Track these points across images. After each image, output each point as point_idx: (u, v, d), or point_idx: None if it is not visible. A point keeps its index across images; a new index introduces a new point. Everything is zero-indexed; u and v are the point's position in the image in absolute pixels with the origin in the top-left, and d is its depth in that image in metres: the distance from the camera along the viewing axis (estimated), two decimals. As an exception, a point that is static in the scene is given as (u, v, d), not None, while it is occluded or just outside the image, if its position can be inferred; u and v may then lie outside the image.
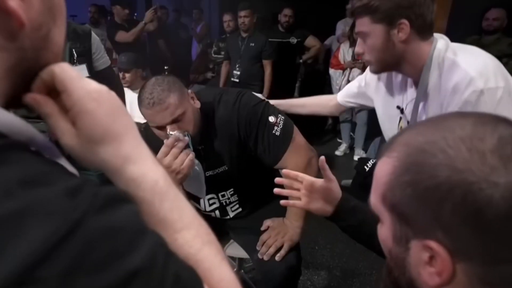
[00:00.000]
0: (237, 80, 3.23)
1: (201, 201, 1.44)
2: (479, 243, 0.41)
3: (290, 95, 4.03)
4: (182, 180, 1.12)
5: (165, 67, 3.51)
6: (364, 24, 1.04)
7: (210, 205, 1.46)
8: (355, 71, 3.67)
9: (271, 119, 1.27)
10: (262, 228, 1.43)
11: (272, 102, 1.43)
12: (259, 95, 1.50)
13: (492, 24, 2.97)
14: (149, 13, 3.50)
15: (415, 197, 0.44)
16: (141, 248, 0.31)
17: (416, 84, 1.11)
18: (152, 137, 1.19)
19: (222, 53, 3.73)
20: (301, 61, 3.88)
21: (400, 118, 1.20)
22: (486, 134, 0.41)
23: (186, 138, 1.12)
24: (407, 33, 1.00)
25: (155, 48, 4.30)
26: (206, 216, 1.47)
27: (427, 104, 1.07)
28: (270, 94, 3.51)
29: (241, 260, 2.06)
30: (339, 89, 4.12)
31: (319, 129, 4.45)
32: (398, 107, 1.18)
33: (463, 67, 0.97)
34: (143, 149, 0.43)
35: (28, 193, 0.28)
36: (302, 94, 4.58)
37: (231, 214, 1.50)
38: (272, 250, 1.35)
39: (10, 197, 0.28)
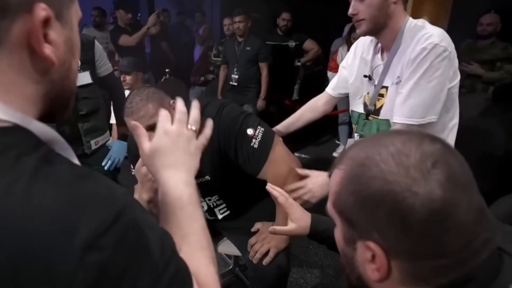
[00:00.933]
0: (236, 84, 3.32)
1: None
2: (406, 243, 0.48)
3: (289, 97, 4.11)
4: (156, 186, 1.17)
5: (166, 70, 3.60)
6: None
7: None
8: (353, 74, 3.73)
9: (249, 131, 1.31)
10: (252, 230, 1.49)
11: (274, 129, 1.47)
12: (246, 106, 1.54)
13: (486, 29, 3.02)
14: (152, 18, 3.59)
15: (356, 204, 0.51)
16: (156, 240, 0.45)
17: (382, 51, 1.31)
18: (133, 145, 1.24)
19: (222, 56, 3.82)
20: (299, 64, 3.95)
21: (366, 95, 1.36)
22: (411, 151, 0.49)
23: None
24: None
25: (157, 50, 4.39)
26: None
27: (392, 64, 1.26)
28: (268, 96, 3.60)
29: (236, 258, 2.14)
30: (337, 92, 4.23)
31: (317, 130, 4.52)
32: (365, 76, 1.35)
33: (429, 29, 1.19)
34: (185, 174, 0.65)
35: (85, 185, 0.41)
36: (301, 97, 4.65)
37: (220, 216, 1.57)
38: (258, 255, 1.40)
39: (75, 186, 0.40)
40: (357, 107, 1.42)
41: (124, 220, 0.41)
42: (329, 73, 4.49)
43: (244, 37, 3.28)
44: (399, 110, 1.21)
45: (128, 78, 2.68)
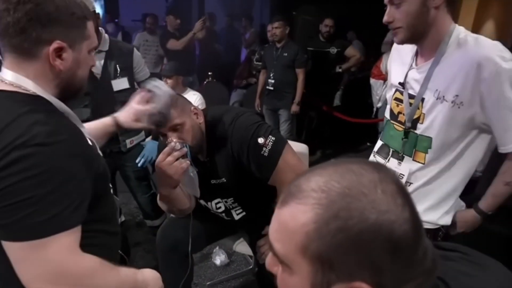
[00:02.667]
0: (272, 88, 3.39)
1: (209, 203, 1.62)
2: (395, 270, 0.46)
3: (329, 103, 4.10)
4: (173, 184, 1.29)
5: (209, 73, 3.78)
6: None
7: (217, 208, 1.63)
8: (397, 81, 3.63)
9: (260, 140, 1.36)
10: (263, 232, 1.56)
11: None
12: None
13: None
14: (198, 24, 3.78)
15: (346, 242, 0.45)
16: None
17: (418, 55, 1.20)
18: (162, 146, 1.41)
19: (264, 60, 3.90)
20: (340, 70, 3.93)
21: (394, 101, 1.28)
22: (388, 178, 0.47)
23: (184, 149, 1.28)
24: (441, 1, 1.06)
25: (204, 54, 4.60)
26: (217, 216, 1.66)
27: (434, 72, 1.14)
28: (307, 102, 3.63)
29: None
30: (379, 100, 4.13)
31: (357, 137, 4.45)
32: (400, 83, 1.24)
33: (484, 43, 1.07)
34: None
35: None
36: (344, 103, 4.62)
37: (236, 217, 1.65)
38: (264, 257, 1.48)
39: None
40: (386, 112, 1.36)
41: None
42: (372, 80, 4.41)
43: (282, 43, 3.35)
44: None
45: (169, 81, 2.87)
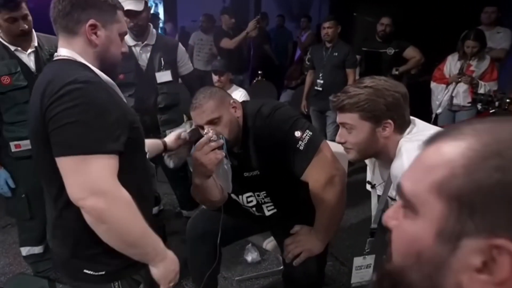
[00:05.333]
0: (320, 89, 3.30)
1: (240, 196, 1.62)
2: None
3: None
4: (207, 173, 1.30)
5: (259, 72, 3.80)
6: (351, 118, 1.16)
7: (248, 202, 1.62)
8: (461, 86, 3.35)
9: (297, 133, 1.36)
10: (291, 231, 1.53)
11: None
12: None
13: None
14: (252, 24, 3.80)
15: (502, 184, 0.36)
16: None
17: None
18: None
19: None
20: (396, 73, 3.71)
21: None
22: None
23: (221, 140, 1.29)
24: (390, 132, 1.14)
25: (257, 53, 4.63)
26: (248, 212, 1.65)
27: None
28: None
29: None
30: (439, 105, 3.84)
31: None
32: (369, 183, 1.36)
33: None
34: None
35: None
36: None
37: (267, 213, 1.63)
38: (290, 256, 1.45)
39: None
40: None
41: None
42: (433, 84, 4.09)
43: (333, 43, 3.26)
44: None
45: (222, 78, 2.92)
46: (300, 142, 1.35)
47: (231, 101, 1.43)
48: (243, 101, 1.56)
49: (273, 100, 1.67)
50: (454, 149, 0.40)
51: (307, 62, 4.10)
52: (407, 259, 0.43)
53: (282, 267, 2.24)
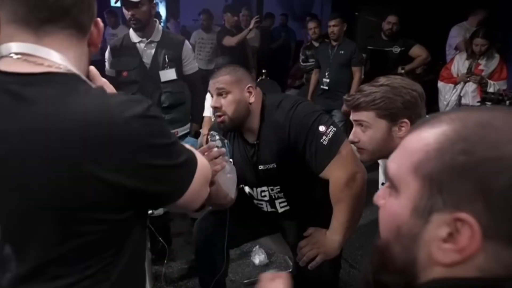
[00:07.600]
0: (326, 87, 3.26)
1: (254, 189, 1.57)
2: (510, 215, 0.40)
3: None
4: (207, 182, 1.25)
5: (263, 71, 3.74)
6: (367, 116, 1.14)
7: (262, 196, 1.58)
8: (470, 85, 3.29)
9: (321, 128, 1.34)
10: (305, 234, 1.48)
11: None
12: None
13: None
14: (253, 21, 3.77)
15: (466, 165, 0.41)
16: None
17: None
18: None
19: (311, 60, 3.77)
20: (402, 71, 3.66)
21: None
22: None
23: (223, 149, 1.22)
24: (406, 132, 1.10)
25: (259, 52, 4.58)
26: (257, 213, 1.60)
27: None
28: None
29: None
30: (447, 105, 3.78)
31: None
32: (383, 184, 1.31)
33: None
34: None
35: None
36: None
37: (280, 210, 1.59)
38: (305, 259, 1.40)
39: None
40: None
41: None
42: (440, 84, 4.02)
43: (339, 41, 3.22)
44: None
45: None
46: (324, 137, 1.33)
47: (249, 85, 1.43)
48: (264, 94, 1.53)
49: (293, 95, 1.66)
50: (431, 135, 0.45)
51: (301, 63, 4.03)
52: (390, 233, 0.49)
53: (290, 270, 2.20)
